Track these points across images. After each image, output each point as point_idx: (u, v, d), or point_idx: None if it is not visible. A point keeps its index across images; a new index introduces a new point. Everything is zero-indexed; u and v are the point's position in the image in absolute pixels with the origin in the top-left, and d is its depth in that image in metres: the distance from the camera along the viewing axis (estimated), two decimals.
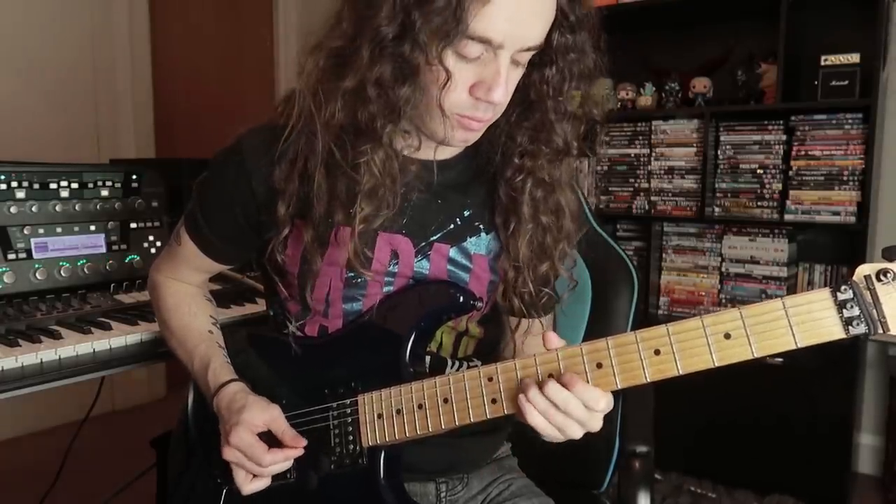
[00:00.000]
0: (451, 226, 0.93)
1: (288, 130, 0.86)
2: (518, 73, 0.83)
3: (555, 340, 0.77)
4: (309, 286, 0.91)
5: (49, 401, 1.86)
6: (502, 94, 0.79)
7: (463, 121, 0.81)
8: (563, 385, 0.73)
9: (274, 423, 0.88)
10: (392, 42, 0.77)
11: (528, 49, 0.79)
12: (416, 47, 0.76)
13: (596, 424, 0.76)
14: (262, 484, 0.89)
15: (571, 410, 0.73)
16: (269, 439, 0.88)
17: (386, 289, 0.92)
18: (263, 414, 0.88)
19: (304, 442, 0.88)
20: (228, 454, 0.87)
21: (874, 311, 0.64)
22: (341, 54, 0.81)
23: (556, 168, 0.91)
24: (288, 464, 0.88)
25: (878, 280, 0.64)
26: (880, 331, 0.64)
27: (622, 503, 1.13)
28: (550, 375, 0.75)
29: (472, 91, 0.79)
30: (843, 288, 0.65)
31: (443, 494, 1.01)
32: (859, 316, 0.64)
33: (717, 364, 0.69)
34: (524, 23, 0.76)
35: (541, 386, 0.74)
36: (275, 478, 0.90)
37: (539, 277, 0.93)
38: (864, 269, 0.65)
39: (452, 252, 0.93)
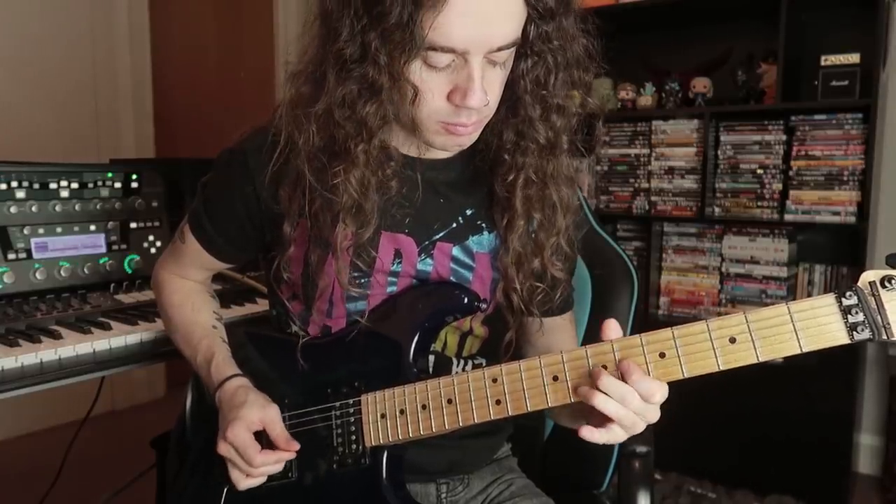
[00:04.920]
0: (454, 224, 0.93)
1: (277, 154, 0.86)
2: (499, 73, 0.80)
3: (613, 329, 0.74)
4: (312, 286, 0.92)
5: (49, 401, 1.86)
6: (479, 99, 0.76)
7: (449, 128, 0.80)
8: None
9: (269, 424, 0.88)
10: (355, 63, 0.76)
11: (500, 49, 0.75)
12: (377, 66, 0.75)
13: (653, 416, 0.74)
14: (256, 482, 0.89)
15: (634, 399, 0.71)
16: (267, 438, 0.88)
17: (389, 289, 0.92)
18: (261, 412, 0.88)
19: (297, 446, 0.88)
20: (223, 449, 0.88)
21: (878, 316, 0.65)
22: (312, 80, 0.81)
23: (546, 163, 0.88)
24: (279, 466, 0.89)
25: (883, 286, 0.65)
26: (884, 336, 0.65)
27: (622, 503, 1.13)
28: (556, 378, 0.75)
29: (450, 98, 0.77)
30: (847, 294, 0.65)
31: (443, 495, 1.01)
32: (863, 322, 0.65)
33: (721, 368, 0.69)
34: (485, 25, 0.72)
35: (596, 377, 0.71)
36: (276, 477, 0.91)
37: (532, 274, 0.92)
38: (868, 276, 0.66)
39: (455, 251, 0.93)
